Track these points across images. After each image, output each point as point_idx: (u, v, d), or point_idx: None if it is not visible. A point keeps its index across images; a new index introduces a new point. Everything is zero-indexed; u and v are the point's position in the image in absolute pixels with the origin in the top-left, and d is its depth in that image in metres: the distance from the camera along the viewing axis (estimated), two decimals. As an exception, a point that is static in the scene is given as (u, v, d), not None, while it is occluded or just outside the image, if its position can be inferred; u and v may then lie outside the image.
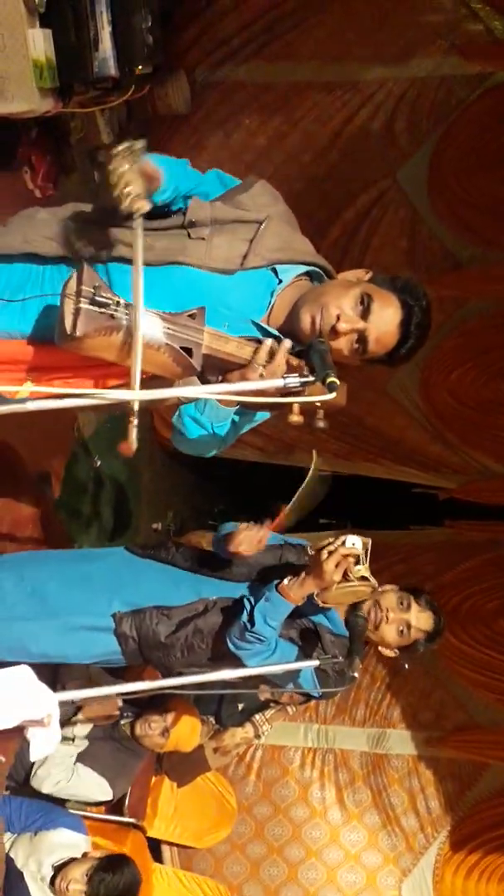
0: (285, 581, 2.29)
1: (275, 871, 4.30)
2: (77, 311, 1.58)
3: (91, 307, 1.58)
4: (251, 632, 2.30)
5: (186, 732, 3.35)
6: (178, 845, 4.13)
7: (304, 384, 1.66)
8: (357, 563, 2.22)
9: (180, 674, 2.54)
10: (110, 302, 1.60)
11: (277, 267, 1.90)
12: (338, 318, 1.81)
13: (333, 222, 5.15)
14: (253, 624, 2.31)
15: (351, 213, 5.12)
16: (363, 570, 2.22)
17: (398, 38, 4.79)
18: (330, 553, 2.21)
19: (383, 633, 2.47)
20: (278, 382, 1.68)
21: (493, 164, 4.82)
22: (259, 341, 1.89)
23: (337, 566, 2.19)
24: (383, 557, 4.71)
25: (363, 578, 2.22)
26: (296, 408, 1.74)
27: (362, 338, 1.84)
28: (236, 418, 1.99)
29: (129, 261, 1.79)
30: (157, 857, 4.11)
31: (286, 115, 5.08)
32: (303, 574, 2.28)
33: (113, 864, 2.91)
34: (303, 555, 2.61)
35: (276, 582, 2.32)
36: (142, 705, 3.47)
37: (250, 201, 1.89)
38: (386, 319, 1.84)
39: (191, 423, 1.95)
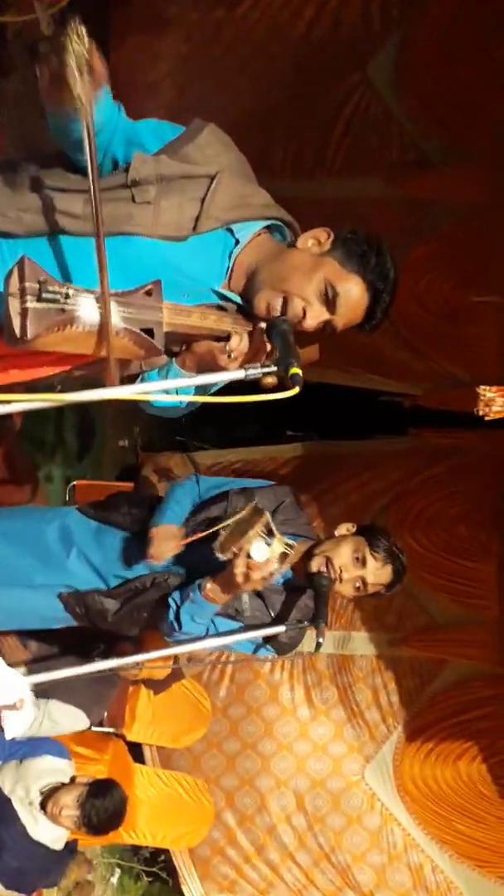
0: (207, 585, 2.24)
1: (249, 764, 4.56)
2: (24, 312, 1.47)
3: (39, 304, 1.47)
4: (180, 632, 2.31)
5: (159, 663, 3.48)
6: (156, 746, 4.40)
7: (266, 374, 1.63)
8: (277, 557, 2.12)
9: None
10: (59, 296, 1.49)
11: (233, 226, 1.79)
12: (304, 311, 1.75)
13: (303, 119, 4.92)
14: (181, 626, 2.30)
15: (322, 109, 4.88)
16: (277, 547, 2.11)
17: None
18: (242, 572, 2.11)
19: (339, 590, 2.41)
20: (239, 374, 1.63)
21: (466, 55, 4.57)
22: (220, 308, 1.83)
23: (250, 577, 2.12)
24: (350, 466, 4.79)
25: (283, 555, 2.15)
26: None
27: (329, 324, 1.80)
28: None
29: (72, 233, 1.69)
30: (139, 757, 4.39)
31: (252, 3, 4.73)
32: (219, 580, 2.21)
33: (102, 789, 3.09)
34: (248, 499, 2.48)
35: (198, 583, 2.27)
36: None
37: (198, 153, 1.74)
38: (353, 307, 1.79)
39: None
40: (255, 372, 1.63)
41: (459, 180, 4.65)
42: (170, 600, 2.35)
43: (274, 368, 1.62)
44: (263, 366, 1.63)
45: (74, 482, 4.50)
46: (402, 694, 4.54)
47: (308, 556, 2.42)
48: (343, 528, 2.48)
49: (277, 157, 4.99)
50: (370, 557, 2.38)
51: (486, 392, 3.22)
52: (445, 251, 4.68)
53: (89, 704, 3.48)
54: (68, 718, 3.33)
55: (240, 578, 2.12)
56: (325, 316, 1.77)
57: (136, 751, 4.33)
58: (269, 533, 2.09)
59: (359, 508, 4.64)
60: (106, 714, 3.93)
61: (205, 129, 1.78)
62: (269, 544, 2.08)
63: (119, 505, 2.66)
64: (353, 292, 1.77)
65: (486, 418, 3.17)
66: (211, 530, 2.18)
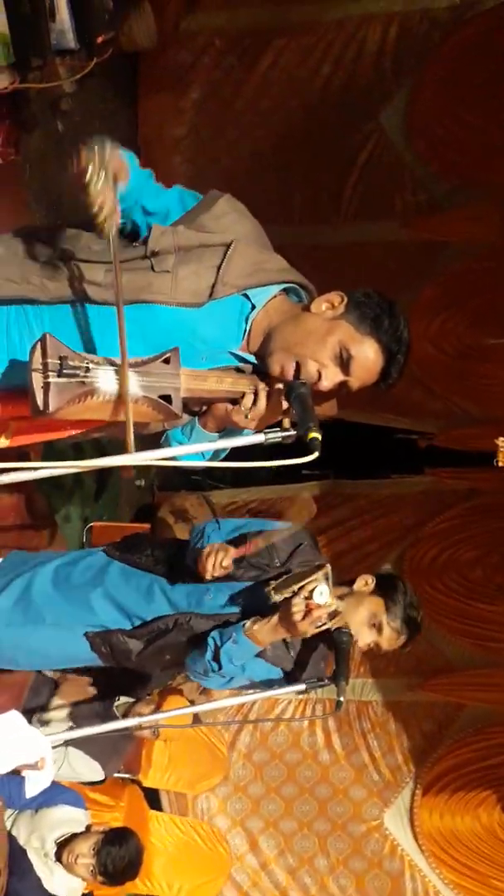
0: (254, 626, 2.23)
1: (273, 807, 4.58)
2: (46, 386, 1.53)
3: (60, 379, 1.54)
4: (217, 672, 2.29)
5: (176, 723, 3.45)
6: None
7: (285, 438, 1.64)
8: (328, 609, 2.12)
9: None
10: (79, 371, 1.55)
11: (249, 291, 1.83)
12: (319, 373, 1.77)
13: (319, 168, 5.03)
14: (220, 666, 2.28)
15: (337, 157, 4.99)
16: (330, 605, 2.12)
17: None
18: (301, 610, 2.11)
19: (355, 650, 2.34)
20: (259, 438, 1.65)
21: (473, 100, 4.66)
22: (238, 370, 1.87)
23: (307, 618, 2.11)
24: (366, 511, 4.80)
25: (333, 614, 2.15)
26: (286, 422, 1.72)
27: (344, 385, 1.81)
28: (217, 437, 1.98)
29: (95, 301, 1.75)
30: (156, 803, 4.36)
31: (271, 59, 4.88)
32: (273, 620, 2.20)
33: (118, 837, 3.05)
34: (273, 556, 2.48)
35: (242, 624, 2.26)
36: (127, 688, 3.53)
37: (214, 223, 1.79)
38: (368, 369, 1.80)
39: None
40: (274, 436, 1.65)
41: (470, 221, 4.71)
42: (209, 640, 2.33)
43: (293, 433, 1.64)
44: (283, 430, 1.65)
45: (92, 524, 4.53)
46: (420, 739, 4.49)
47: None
48: (361, 582, 2.41)
49: (295, 205, 5.10)
50: (386, 626, 2.33)
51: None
52: (458, 291, 4.73)
53: (107, 756, 3.47)
54: (86, 769, 3.32)
55: (298, 616, 2.12)
56: (341, 377, 1.79)
57: (152, 796, 4.30)
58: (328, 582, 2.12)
59: (374, 555, 4.64)
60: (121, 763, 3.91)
61: (220, 200, 1.84)
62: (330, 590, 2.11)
63: (142, 546, 2.68)
64: (368, 354, 1.78)
65: (508, 468, 3.15)
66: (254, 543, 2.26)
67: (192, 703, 3.96)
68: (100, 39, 3.40)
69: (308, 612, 2.11)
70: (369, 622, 2.33)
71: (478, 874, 4.21)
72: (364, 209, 5.02)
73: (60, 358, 1.54)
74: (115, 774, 3.85)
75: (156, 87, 5.10)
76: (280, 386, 1.82)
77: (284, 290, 1.89)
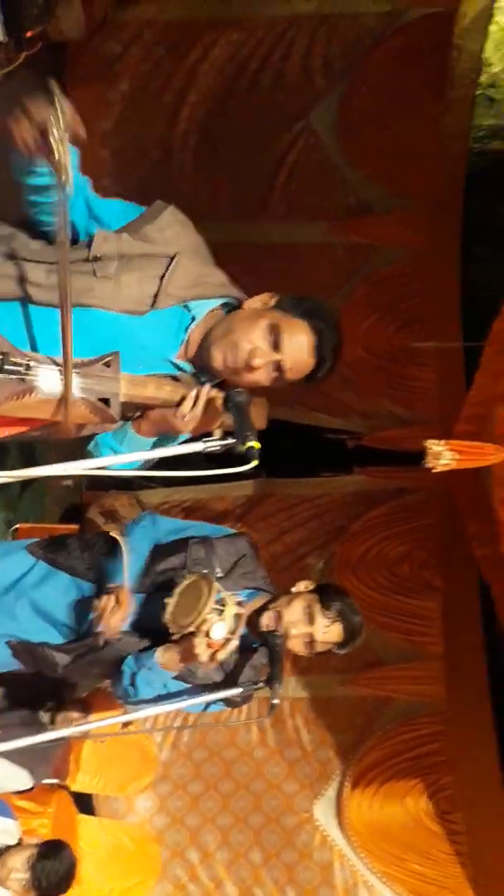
0: (164, 657, 2.21)
1: (211, 804, 4.64)
2: None
3: (0, 376, 1.55)
4: (135, 697, 2.28)
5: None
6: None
7: (223, 447, 1.67)
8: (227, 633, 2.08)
9: None
10: (20, 368, 1.57)
11: (189, 303, 1.86)
12: (251, 353, 1.80)
13: (249, 166, 5.04)
14: (137, 692, 2.26)
15: (267, 156, 5.02)
16: (230, 611, 2.08)
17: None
18: (204, 651, 2.09)
19: (290, 647, 2.35)
20: (198, 447, 1.67)
21: (404, 107, 4.76)
22: (175, 378, 1.89)
23: (213, 656, 2.10)
24: (297, 507, 4.86)
25: (236, 617, 2.12)
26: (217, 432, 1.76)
27: (279, 367, 1.84)
28: (152, 442, 1.96)
29: (38, 303, 1.75)
30: (87, 805, 4.33)
31: (200, 53, 4.86)
32: (176, 652, 2.20)
33: (52, 851, 3.01)
34: (214, 566, 2.44)
35: (152, 652, 2.24)
36: (58, 694, 3.48)
37: (158, 235, 1.81)
38: (299, 347, 1.83)
39: (109, 453, 1.93)
40: (213, 445, 1.67)
41: (399, 227, 4.81)
42: (124, 667, 2.31)
43: (232, 441, 1.66)
44: (222, 438, 1.68)
45: (17, 525, 4.44)
46: (351, 732, 4.60)
47: (261, 610, 2.39)
48: (301, 585, 2.44)
49: (223, 201, 5.09)
50: (319, 615, 2.34)
51: (434, 445, 3.30)
52: (387, 295, 4.83)
53: (34, 763, 3.42)
54: (12, 778, 3.26)
55: (203, 658, 2.10)
56: (274, 356, 1.82)
57: (84, 798, 4.28)
58: (220, 602, 2.07)
59: (304, 551, 4.71)
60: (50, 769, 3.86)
61: (165, 212, 1.85)
62: (221, 613, 2.05)
63: (70, 548, 2.58)
64: (297, 332, 1.82)
65: (435, 470, 3.23)
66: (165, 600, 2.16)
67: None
68: (29, 34, 3.34)
69: (212, 651, 2.09)
70: (303, 613, 2.34)
71: (405, 862, 4.34)
72: (293, 209, 5.06)
73: (2, 353, 1.56)
74: (43, 780, 3.81)
75: (83, 78, 5.01)
76: (217, 394, 1.84)
77: (222, 304, 1.93)
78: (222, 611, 2.06)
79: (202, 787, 4.69)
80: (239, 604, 2.15)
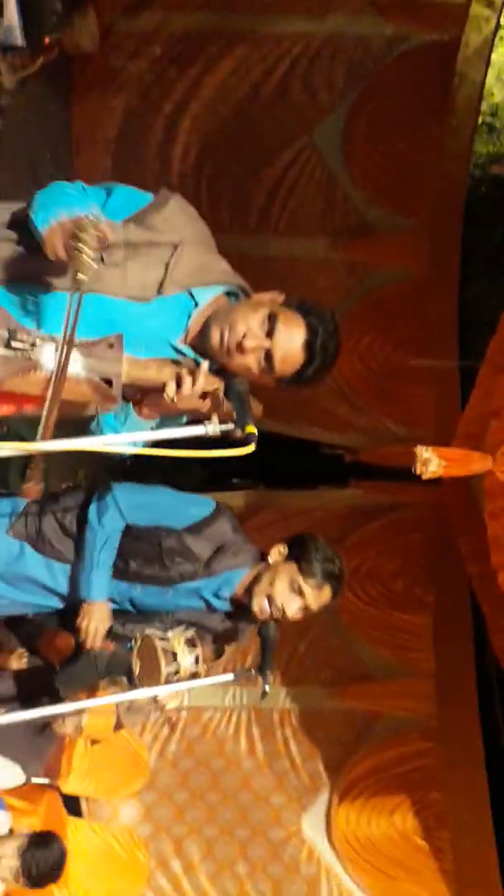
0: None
1: (196, 814, 4.62)
2: None
3: (6, 351, 1.59)
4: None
5: (100, 725, 3.45)
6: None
7: (223, 433, 1.69)
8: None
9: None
10: (25, 345, 1.61)
11: (193, 290, 1.90)
12: (244, 335, 1.85)
13: (250, 179, 5.12)
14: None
15: (268, 170, 5.09)
16: (184, 658, 2.11)
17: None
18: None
19: (289, 619, 2.39)
20: (199, 430, 1.69)
21: (407, 129, 4.86)
22: (177, 363, 1.92)
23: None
24: (292, 520, 4.89)
25: (190, 643, 2.13)
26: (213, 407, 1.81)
27: (268, 355, 1.87)
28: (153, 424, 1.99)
29: (49, 286, 1.79)
30: (74, 810, 4.33)
31: (203, 65, 4.95)
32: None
33: (43, 841, 3.04)
34: (193, 559, 2.49)
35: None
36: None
37: (164, 224, 1.86)
38: (291, 339, 1.86)
39: (110, 433, 1.94)
40: (214, 429, 1.70)
41: (400, 247, 4.89)
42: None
43: (232, 426, 1.70)
44: (222, 422, 1.70)
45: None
46: (339, 746, 4.61)
47: (249, 590, 2.42)
48: (275, 553, 2.47)
49: (224, 214, 5.15)
50: (305, 585, 2.38)
51: (423, 452, 3.34)
52: (386, 313, 4.90)
53: (28, 759, 3.46)
54: (4, 773, 3.29)
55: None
56: (265, 342, 1.86)
57: (71, 802, 4.27)
58: (173, 655, 2.09)
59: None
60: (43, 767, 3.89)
61: (170, 201, 1.90)
62: (177, 663, 2.08)
63: (53, 532, 2.56)
64: (293, 325, 1.87)
65: (423, 477, 3.28)
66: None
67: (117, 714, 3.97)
68: (47, 40, 3.42)
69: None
70: (291, 590, 2.38)
71: (391, 878, 4.34)
72: (293, 225, 5.13)
73: (9, 330, 1.60)
74: (34, 780, 3.82)
75: (88, 87, 5.09)
76: (218, 383, 1.86)
77: (226, 293, 1.97)
78: (176, 662, 2.09)
79: (188, 797, 4.67)
80: (190, 641, 2.14)
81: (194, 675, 2.09)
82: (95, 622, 2.43)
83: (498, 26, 4.92)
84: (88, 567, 2.48)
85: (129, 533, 2.51)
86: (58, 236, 1.65)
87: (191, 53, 5.00)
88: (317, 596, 2.41)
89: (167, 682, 2.10)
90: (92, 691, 3.53)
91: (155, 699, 2.18)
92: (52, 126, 4.80)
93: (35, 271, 1.79)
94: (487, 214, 4.85)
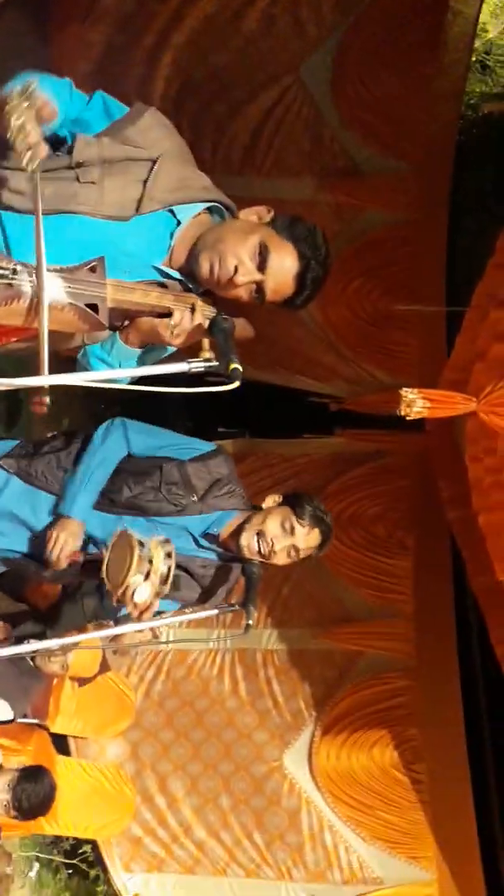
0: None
1: (181, 751, 4.75)
2: None
3: None
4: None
5: (86, 661, 3.51)
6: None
7: (207, 369, 1.70)
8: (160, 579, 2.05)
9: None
10: (6, 271, 1.57)
11: (174, 207, 1.86)
12: (235, 269, 1.82)
13: (234, 117, 4.95)
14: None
15: (252, 108, 4.93)
16: (157, 591, 2.07)
17: None
18: (133, 612, 2.08)
19: (275, 560, 2.47)
20: (183, 367, 1.68)
21: (398, 67, 4.70)
22: (162, 285, 1.90)
23: (141, 617, 2.09)
24: (278, 472, 4.92)
25: (167, 572, 2.07)
26: (205, 344, 1.79)
27: (260, 287, 1.87)
28: (139, 353, 1.98)
29: (19, 210, 1.75)
30: (62, 749, 4.44)
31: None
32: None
33: (33, 774, 3.14)
34: (190, 491, 2.52)
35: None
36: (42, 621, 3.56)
37: (140, 137, 1.81)
38: (283, 271, 1.86)
39: (98, 364, 1.95)
40: (198, 365, 1.70)
41: (389, 190, 4.79)
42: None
43: (216, 363, 1.70)
44: (206, 360, 1.71)
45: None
46: (321, 685, 4.73)
47: (238, 530, 2.48)
48: (270, 500, 2.57)
49: (206, 153, 4.99)
50: (297, 525, 2.45)
51: (408, 393, 3.35)
52: (373, 258, 4.83)
53: (15, 697, 3.52)
54: (-6, 708, 3.36)
55: (136, 619, 2.13)
56: (256, 276, 1.85)
57: (58, 743, 4.37)
58: (148, 557, 2.05)
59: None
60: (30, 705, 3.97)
61: (146, 113, 1.86)
62: (148, 574, 2.03)
63: (47, 461, 2.59)
64: (285, 257, 1.85)
65: (408, 418, 3.30)
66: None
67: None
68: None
69: (140, 612, 2.12)
70: (282, 527, 2.45)
71: (370, 809, 4.53)
72: (279, 165, 4.99)
73: None
74: (22, 720, 3.90)
75: (68, 19, 4.88)
76: (204, 314, 1.85)
77: (208, 209, 1.94)
78: (149, 567, 2.05)
79: (173, 736, 4.80)
80: (166, 543, 2.09)
81: (165, 578, 2.07)
82: (66, 535, 2.44)
83: (493, -41, 4.77)
84: (77, 483, 2.49)
85: (130, 460, 2.53)
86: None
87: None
88: (306, 537, 2.47)
89: (138, 578, 2.05)
90: (79, 633, 3.59)
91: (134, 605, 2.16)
92: (31, 62, 4.60)
93: (8, 196, 1.75)
94: (479, 156, 4.77)
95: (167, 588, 2.06)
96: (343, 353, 4.86)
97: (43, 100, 1.62)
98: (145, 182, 1.79)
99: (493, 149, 4.92)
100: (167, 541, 2.06)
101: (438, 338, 4.70)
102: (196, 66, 4.89)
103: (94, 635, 2.37)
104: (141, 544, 2.02)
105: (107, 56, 4.93)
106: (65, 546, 2.43)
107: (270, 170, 5.01)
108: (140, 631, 4.29)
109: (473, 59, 4.87)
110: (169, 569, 2.05)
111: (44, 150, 1.60)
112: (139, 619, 2.10)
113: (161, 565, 2.04)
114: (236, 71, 4.88)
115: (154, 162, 1.80)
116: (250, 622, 2.31)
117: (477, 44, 4.83)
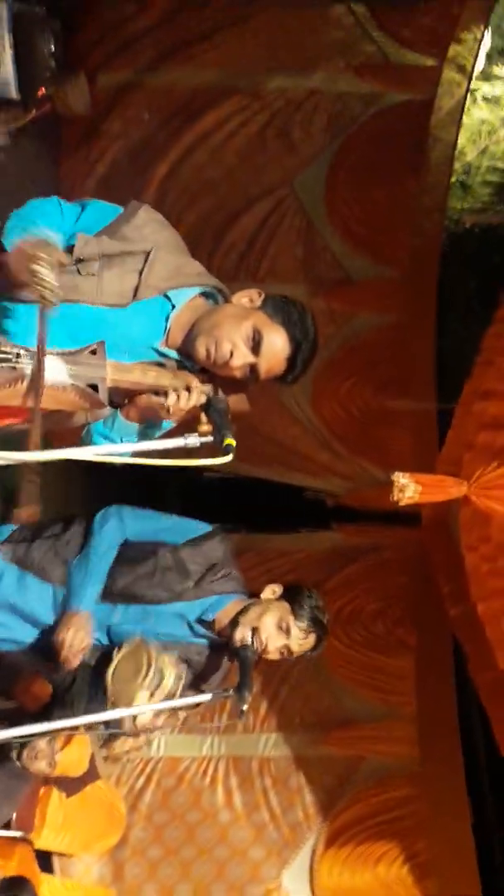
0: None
1: (170, 871, 4.45)
2: None
3: None
4: None
5: (75, 759, 3.34)
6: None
7: (203, 444, 1.78)
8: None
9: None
10: (10, 356, 1.67)
11: (169, 292, 1.97)
12: (231, 353, 1.92)
13: (230, 227, 5.23)
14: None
15: (248, 218, 5.21)
16: (168, 681, 2.11)
17: (299, 52, 4.93)
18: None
19: (265, 656, 2.43)
20: (179, 442, 1.77)
21: (385, 183, 5.03)
22: (160, 365, 2.00)
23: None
24: (276, 566, 4.87)
25: (178, 677, 2.14)
26: (203, 417, 1.85)
27: (254, 368, 1.96)
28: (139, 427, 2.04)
29: (27, 300, 1.83)
30: (45, 866, 4.13)
31: (185, 117, 5.10)
32: None
33: (14, 885, 2.94)
34: (185, 577, 2.51)
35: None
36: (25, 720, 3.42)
37: (136, 233, 1.94)
38: (276, 354, 1.95)
39: (100, 440, 2.02)
40: (193, 441, 1.77)
41: (378, 296, 5.03)
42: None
43: (210, 438, 1.77)
44: (202, 435, 1.79)
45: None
46: (321, 794, 4.52)
47: (234, 622, 2.43)
48: (269, 591, 2.52)
49: (204, 261, 5.20)
50: (294, 627, 2.41)
51: (400, 478, 3.37)
52: (366, 358, 4.99)
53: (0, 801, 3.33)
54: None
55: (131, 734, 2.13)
56: (251, 359, 1.94)
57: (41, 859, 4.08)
58: (160, 672, 2.07)
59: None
60: (14, 815, 3.72)
61: (140, 210, 1.99)
62: (160, 683, 2.05)
63: (41, 547, 2.55)
64: (277, 341, 1.94)
65: (400, 504, 3.30)
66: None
67: (93, 755, 3.84)
68: (41, 91, 3.50)
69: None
70: (278, 626, 2.41)
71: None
72: (273, 271, 5.23)
73: None
74: (6, 833, 3.66)
75: (74, 143, 5.22)
76: (207, 391, 1.93)
77: (202, 293, 2.05)
78: (160, 681, 2.06)
79: (162, 853, 4.51)
80: (179, 663, 2.16)
81: (171, 695, 2.04)
82: (75, 630, 2.38)
83: (469, 91, 5.17)
84: (83, 576, 2.46)
85: (124, 547, 2.51)
86: (16, 262, 1.74)
87: (171, 107, 5.14)
88: (301, 640, 2.45)
89: (144, 694, 2.05)
90: (69, 736, 3.43)
91: (133, 720, 2.12)
92: (41, 185, 4.89)
93: (9, 286, 1.84)
94: (463, 265, 5.02)
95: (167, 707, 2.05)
96: (337, 449, 4.93)
97: (59, 253, 1.77)
98: (141, 272, 1.91)
99: (475, 257, 5.18)
100: (179, 659, 2.12)
101: (430, 433, 4.79)
102: (192, 181, 5.21)
103: (82, 721, 2.24)
104: (154, 659, 2.05)
105: (110, 174, 5.26)
106: (75, 643, 2.39)
107: (265, 276, 5.23)
108: (133, 737, 4.18)
109: (454, 179, 5.20)
110: (176, 692, 2.08)
111: (59, 294, 1.73)
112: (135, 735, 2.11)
113: (170, 685, 2.07)
114: (233, 185, 5.19)
115: (148, 254, 1.93)
116: (244, 707, 2.22)
117: (457, 165, 5.17)
